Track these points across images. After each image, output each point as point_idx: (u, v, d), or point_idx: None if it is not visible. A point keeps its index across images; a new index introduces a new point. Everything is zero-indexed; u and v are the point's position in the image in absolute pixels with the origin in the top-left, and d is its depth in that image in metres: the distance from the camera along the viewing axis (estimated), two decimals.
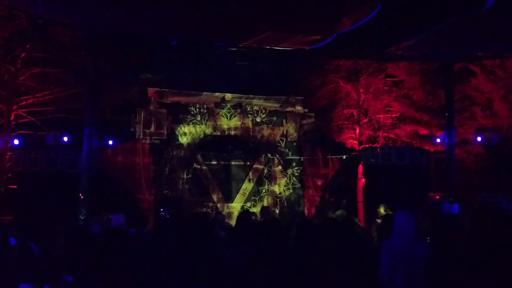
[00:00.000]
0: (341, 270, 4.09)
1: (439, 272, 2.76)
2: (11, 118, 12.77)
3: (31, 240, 4.58)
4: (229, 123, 12.98)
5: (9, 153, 12.33)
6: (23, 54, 12.70)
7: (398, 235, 4.18)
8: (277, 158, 13.16)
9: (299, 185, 13.22)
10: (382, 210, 8.28)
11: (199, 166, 12.61)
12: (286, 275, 3.82)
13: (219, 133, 12.89)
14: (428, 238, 4.04)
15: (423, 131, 16.59)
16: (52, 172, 10.73)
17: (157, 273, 3.70)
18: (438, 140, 14.57)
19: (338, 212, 7.33)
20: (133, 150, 12.18)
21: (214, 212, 11.89)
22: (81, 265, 4.06)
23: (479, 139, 14.51)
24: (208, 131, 12.80)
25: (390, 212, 7.25)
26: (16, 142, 12.26)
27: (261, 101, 13.34)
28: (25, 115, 12.96)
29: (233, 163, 12.90)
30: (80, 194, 10.37)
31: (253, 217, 9.59)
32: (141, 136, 12.22)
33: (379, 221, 8.23)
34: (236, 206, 12.60)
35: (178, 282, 3.60)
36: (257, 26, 9.70)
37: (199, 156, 12.62)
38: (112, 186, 11.82)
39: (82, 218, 10.05)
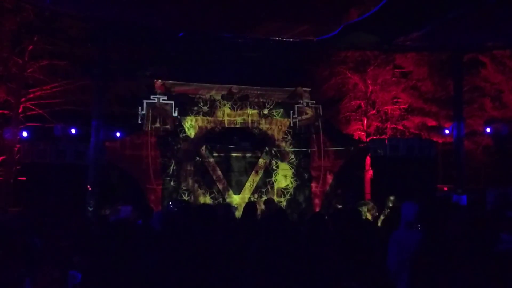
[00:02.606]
0: (350, 261, 4.09)
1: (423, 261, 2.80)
2: (20, 110, 12.84)
3: (37, 233, 4.62)
4: (236, 114, 12.97)
5: (17, 145, 12.41)
6: (31, 47, 12.74)
7: (406, 226, 4.18)
8: (282, 151, 13.13)
9: (306, 177, 13.20)
10: (389, 203, 8.17)
11: (204, 159, 12.64)
12: (295, 266, 3.81)
13: (225, 125, 12.89)
14: (419, 226, 4.06)
15: (432, 123, 16.46)
16: (61, 164, 10.82)
17: (164, 265, 3.70)
18: (447, 132, 14.46)
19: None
20: (140, 142, 12.24)
21: (224, 204, 11.93)
22: (89, 257, 4.09)
23: (488, 130, 14.38)
24: (215, 122, 12.81)
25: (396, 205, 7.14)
26: (24, 134, 12.34)
27: (268, 92, 13.30)
28: (33, 107, 13.02)
29: (240, 155, 12.91)
30: (88, 186, 10.43)
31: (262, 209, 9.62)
32: (148, 128, 12.26)
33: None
34: (243, 198, 12.63)
35: (185, 274, 3.60)
36: (265, 16, 9.65)
37: (203, 149, 12.65)
38: (120, 178, 11.91)
39: (90, 209, 10.11)
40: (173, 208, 7.40)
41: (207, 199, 12.40)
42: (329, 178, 13.15)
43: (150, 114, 12.31)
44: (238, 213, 10.78)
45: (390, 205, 7.62)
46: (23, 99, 12.91)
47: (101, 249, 3.94)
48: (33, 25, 12.38)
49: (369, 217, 6.90)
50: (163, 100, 12.52)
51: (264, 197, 12.37)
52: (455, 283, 2.74)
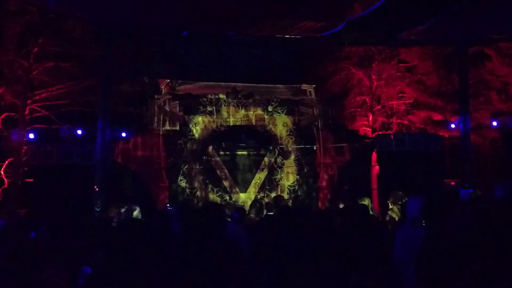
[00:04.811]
0: (356, 258, 4.09)
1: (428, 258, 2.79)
2: (26, 112, 12.90)
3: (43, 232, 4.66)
4: (241, 113, 12.98)
5: (24, 147, 12.48)
6: (36, 49, 12.77)
7: (411, 222, 4.16)
8: (287, 148, 13.13)
9: (311, 174, 13.19)
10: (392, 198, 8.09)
11: (210, 158, 12.68)
12: (301, 263, 3.82)
13: (231, 123, 12.90)
14: (424, 222, 4.03)
15: (437, 117, 16.36)
16: (67, 165, 10.88)
17: (173, 264, 3.71)
18: (453, 126, 14.38)
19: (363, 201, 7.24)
20: (152, 143, 12.32)
21: (233, 202, 12.00)
22: (100, 255, 4.12)
23: (494, 123, 14.29)
24: (220, 121, 12.83)
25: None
26: (31, 136, 12.41)
27: (273, 90, 13.29)
28: (39, 109, 13.07)
29: (245, 153, 12.93)
30: (95, 186, 10.48)
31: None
32: (154, 128, 12.30)
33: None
34: (249, 196, 12.65)
35: (194, 273, 3.61)
36: (268, 13, 9.63)
37: (210, 148, 12.68)
38: (128, 178, 12.00)
39: (98, 210, 10.16)
40: (171, 209, 7.46)
41: (215, 197, 12.45)
42: (335, 175, 13.13)
43: (155, 112, 12.37)
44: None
45: (393, 200, 7.59)
46: (29, 101, 12.96)
47: (112, 246, 3.96)
48: (38, 27, 12.41)
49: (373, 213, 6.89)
50: (168, 99, 12.56)
51: (271, 195, 12.39)
52: (463, 279, 2.73)
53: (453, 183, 13.53)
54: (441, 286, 2.70)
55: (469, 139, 12.37)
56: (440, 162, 12.55)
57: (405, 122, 16.67)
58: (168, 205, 7.89)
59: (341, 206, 7.73)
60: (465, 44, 12.41)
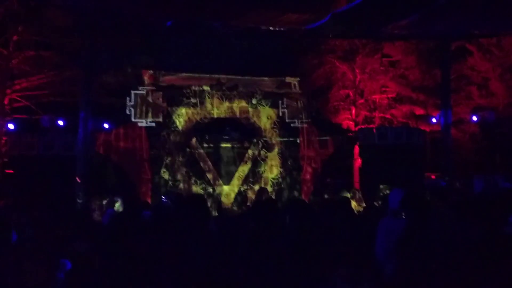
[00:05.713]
0: (338, 250, 4.12)
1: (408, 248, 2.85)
2: (5, 102, 12.66)
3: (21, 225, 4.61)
4: (225, 105, 12.94)
5: (4, 138, 12.26)
6: (16, 37, 12.52)
7: (392, 214, 4.22)
8: (271, 141, 13.15)
9: (295, 166, 13.24)
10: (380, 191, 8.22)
11: (193, 150, 12.64)
12: (284, 255, 3.84)
13: (215, 115, 12.86)
14: (403, 214, 4.10)
15: (419, 111, 16.55)
16: (49, 156, 10.74)
17: (158, 256, 3.70)
18: (434, 120, 14.57)
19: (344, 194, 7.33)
20: (135, 134, 12.21)
21: (214, 194, 12.00)
22: (83, 248, 4.09)
23: (475, 118, 14.52)
24: (204, 113, 12.78)
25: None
26: (11, 126, 12.20)
27: (257, 82, 13.28)
28: (19, 99, 12.84)
29: (229, 145, 12.92)
30: (77, 177, 10.37)
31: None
32: (137, 119, 12.20)
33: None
34: (233, 189, 12.65)
35: (178, 265, 3.61)
36: (254, 5, 9.59)
37: (193, 140, 12.63)
38: (110, 170, 11.89)
39: (80, 201, 10.07)
40: (167, 201, 7.42)
41: (199, 189, 12.44)
42: (318, 168, 13.21)
43: (138, 103, 12.26)
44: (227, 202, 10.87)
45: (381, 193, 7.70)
46: (9, 91, 12.73)
47: (100, 238, 3.93)
48: (18, 15, 12.16)
49: (356, 206, 6.98)
50: (151, 90, 12.46)
51: (254, 187, 12.42)
52: (441, 269, 2.78)
53: (433, 177, 13.74)
54: (419, 276, 2.75)
55: (450, 133, 12.55)
56: (422, 156, 12.72)
57: (388, 116, 16.81)
58: (163, 197, 7.86)
59: (326, 196, 7.82)
60: (448, 39, 12.55)
